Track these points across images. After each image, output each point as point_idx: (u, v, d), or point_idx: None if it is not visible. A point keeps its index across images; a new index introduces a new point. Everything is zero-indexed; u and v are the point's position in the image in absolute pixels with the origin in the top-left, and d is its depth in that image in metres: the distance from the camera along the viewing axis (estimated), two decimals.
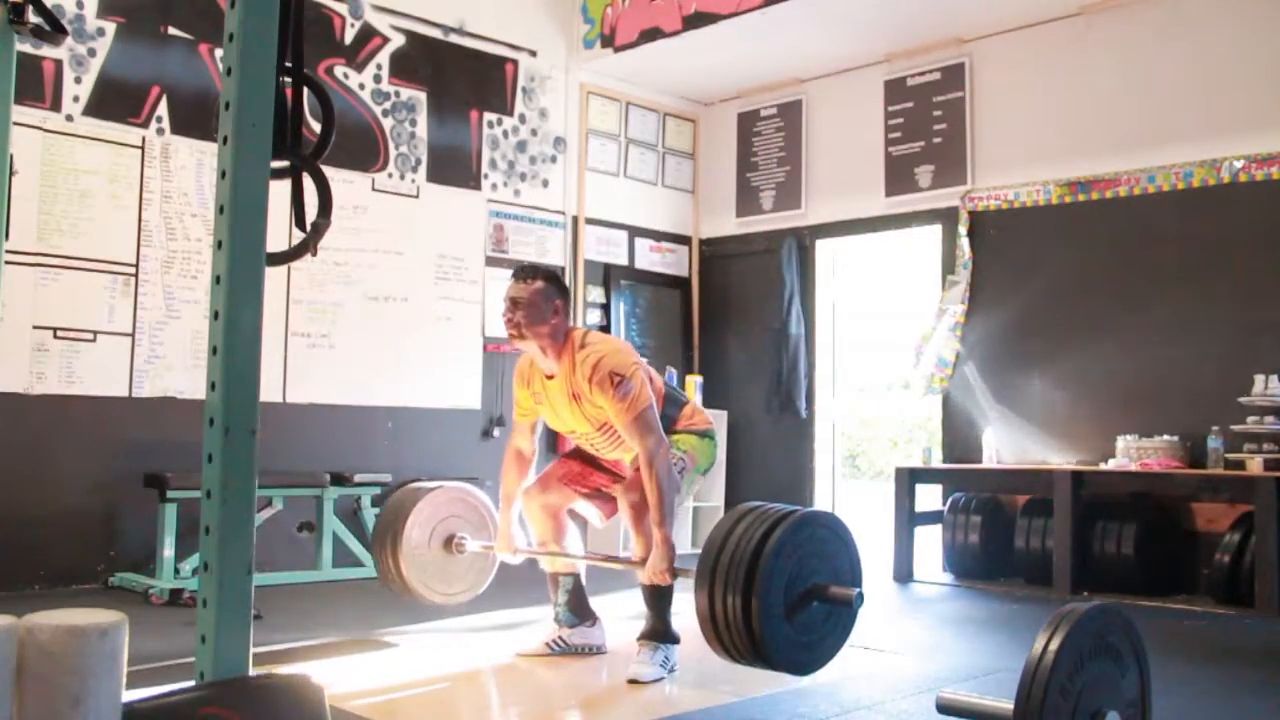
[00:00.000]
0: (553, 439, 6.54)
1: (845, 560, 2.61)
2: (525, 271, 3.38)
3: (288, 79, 1.97)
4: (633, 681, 3.20)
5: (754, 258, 7.36)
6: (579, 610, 3.59)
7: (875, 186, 6.75)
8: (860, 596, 2.54)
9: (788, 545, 2.47)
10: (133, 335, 5.16)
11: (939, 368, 6.26)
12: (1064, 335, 5.88)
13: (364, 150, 5.99)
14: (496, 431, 6.36)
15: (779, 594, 2.46)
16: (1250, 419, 5.01)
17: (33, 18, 2.49)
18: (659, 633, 3.34)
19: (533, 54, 6.80)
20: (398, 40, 6.16)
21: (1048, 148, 6.02)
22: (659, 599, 3.35)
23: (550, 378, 3.37)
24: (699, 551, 2.65)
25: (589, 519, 3.68)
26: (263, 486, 4.61)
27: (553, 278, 3.39)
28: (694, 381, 7.03)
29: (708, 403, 6.96)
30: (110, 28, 5.14)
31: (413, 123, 6.21)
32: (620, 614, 4.06)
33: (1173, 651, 3.82)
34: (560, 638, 3.56)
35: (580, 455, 3.65)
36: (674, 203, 7.61)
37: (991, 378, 6.15)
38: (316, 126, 2.15)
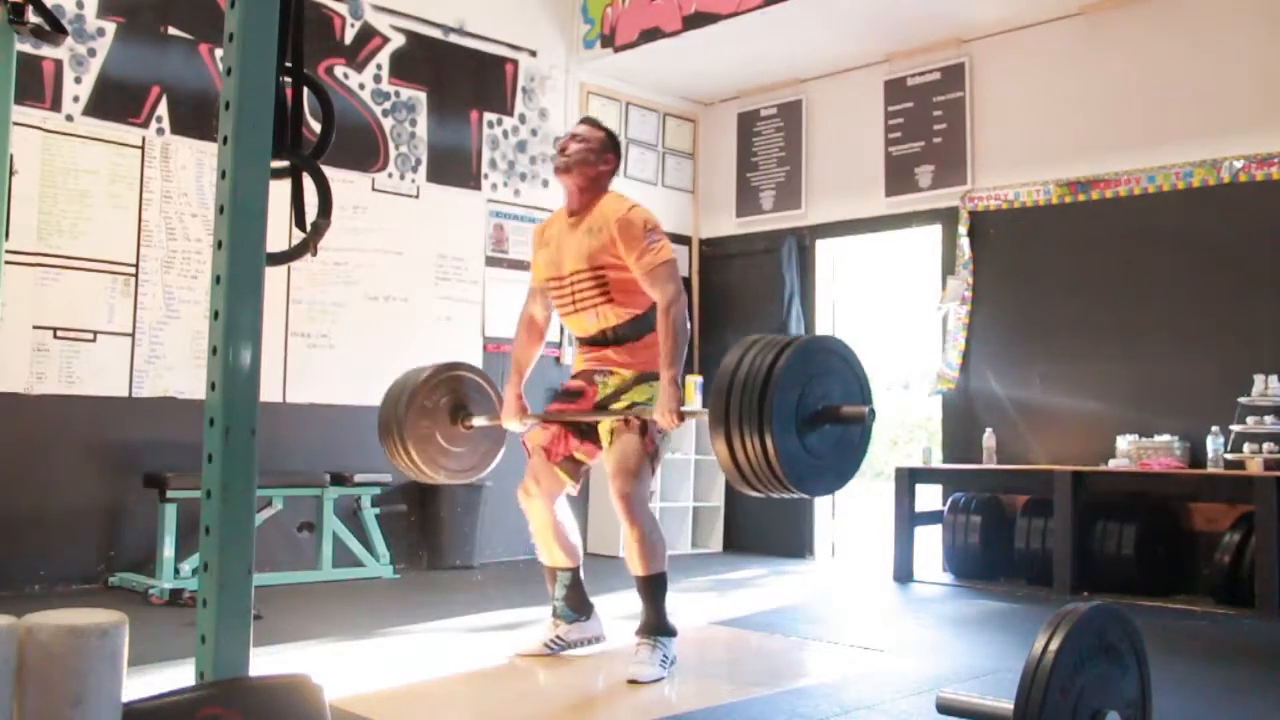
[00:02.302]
0: None
1: (854, 382, 2.65)
2: (593, 120, 3.59)
3: (288, 79, 1.97)
4: (632, 682, 3.20)
5: (754, 258, 7.36)
6: (577, 605, 3.59)
7: (875, 186, 6.74)
8: (872, 413, 2.56)
9: (797, 367, 2.50)
10: (133, 335, 5.16)
11: (945, 369, 6.26)
12: (1064, 335, 5.88)
13: (364, 150, 6.00)
14: None
15: (791, 414, 2.48)
16: (1250, 419, 5.01)
17: (33, 18, 2.48)
18: (656, 626, 3.34)
19: (533, 54, 6.80)
20: (398, 40, 6.16)
21: (1048, 148, 6.02)
22: (654, 591, 3.35)
23: (573, 213, 3.47)
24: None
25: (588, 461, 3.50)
26: (263, 486, 4.62)
27: (614, 137, 3.56)
28: (694, 381, 7.02)
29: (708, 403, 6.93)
30: (110, 28, 5.14)
31: (413, 123, 6.21)
32: (619, 614, 4.06)
33: (1173, 651, 3.82)
34: (558, 637, 3.56)
35: (549, 425, 3.50)
36: (674, 203, 7.61)
37: (991, 377, 6.15)
38: (316, 126, 2.15)
